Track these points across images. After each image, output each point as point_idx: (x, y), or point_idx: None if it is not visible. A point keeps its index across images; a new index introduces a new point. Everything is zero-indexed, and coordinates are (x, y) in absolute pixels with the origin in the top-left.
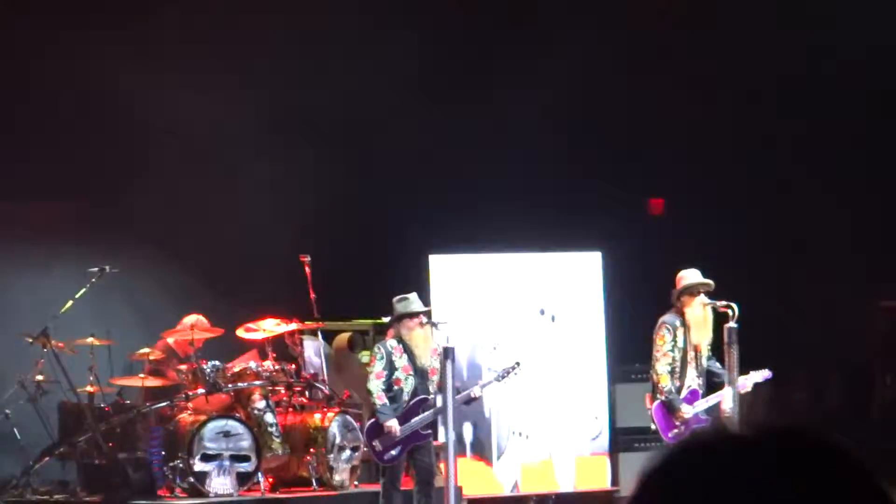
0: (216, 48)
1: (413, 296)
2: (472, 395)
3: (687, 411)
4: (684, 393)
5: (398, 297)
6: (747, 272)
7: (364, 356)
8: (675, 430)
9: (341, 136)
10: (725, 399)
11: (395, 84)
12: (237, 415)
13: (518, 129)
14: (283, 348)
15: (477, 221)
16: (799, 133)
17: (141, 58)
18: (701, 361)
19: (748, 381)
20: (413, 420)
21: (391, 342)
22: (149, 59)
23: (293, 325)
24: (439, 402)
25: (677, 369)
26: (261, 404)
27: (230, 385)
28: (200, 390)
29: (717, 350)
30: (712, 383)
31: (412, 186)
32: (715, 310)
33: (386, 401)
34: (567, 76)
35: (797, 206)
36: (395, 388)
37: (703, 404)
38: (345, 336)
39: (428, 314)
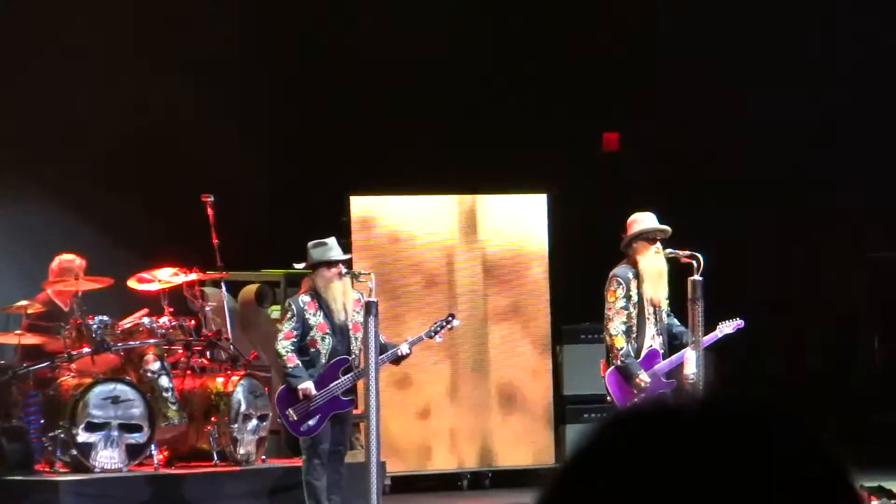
0: None
1: (331, 241)
2: (400, 353)
3: (645, 378)
4: (643, 354)
5: (314, 243)
6: (715, 217)
7: (274, 311)
8: (635, 401)
9: (249, 57)
10: (688, 362)
11: None
12: (127, 378)
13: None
14: (181, 302)
15: (403, 158)
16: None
17: None
18: (660, 317)
19: (718, 334)
20: (332, 384)
21: (304, 297)
22: None
23: (193, 276)
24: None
25: (633, 328)
26: (155, 366)
27: (120, 344)
28: (85, 349)
29: (678, 307)
30: (672, 345)
31: (332, 119)
32: (677, 260)
33: (298, 362)
34: None
35: (777, 143)
36: (311, 350)
37: (664, 367)
38: (252, 288)
39: (348, 263)
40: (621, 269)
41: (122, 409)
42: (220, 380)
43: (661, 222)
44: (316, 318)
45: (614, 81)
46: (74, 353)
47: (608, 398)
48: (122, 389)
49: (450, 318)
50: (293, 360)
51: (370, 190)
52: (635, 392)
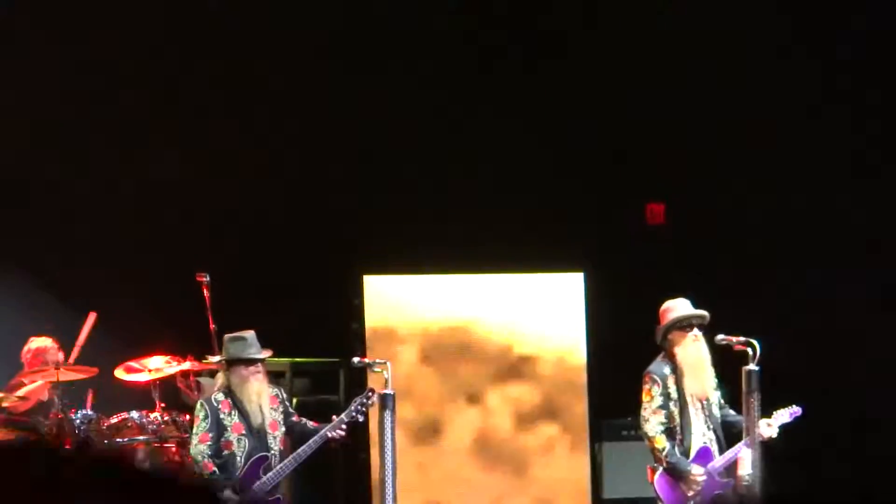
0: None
1: (251, 336)
2: (329, 437)
3: (699, 473)
4: (693, 454)
5: (231, 336)
6: (771, 296)
7: None
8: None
9: (248, 132)
10: (743, 462)
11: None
12: None
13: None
14: (173, 394)
15: (424, 236)
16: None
17: None
18: (711, 411)
19: (773, 423)
20: (255, 485)
21: (217, 396)
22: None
23: (187, 365)
24: (281, 459)
25: (677, 428)
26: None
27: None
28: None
29: (731, 395)
30: (731, 435)
31: (347, 195)
32: (730, 347)
33: (215, 468)
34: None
35: (840, 212)
36: (225, 452)
37: (718, 466)
38: None
39: (260, 361)
40: (656, 365)
41: None
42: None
43: (711, 305)
44: (230, 419)
45: (661, 146)
46: None
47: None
48: None
49: (369, 395)
50: (210, 467)
51: (387, 269)
52: (690, 493)
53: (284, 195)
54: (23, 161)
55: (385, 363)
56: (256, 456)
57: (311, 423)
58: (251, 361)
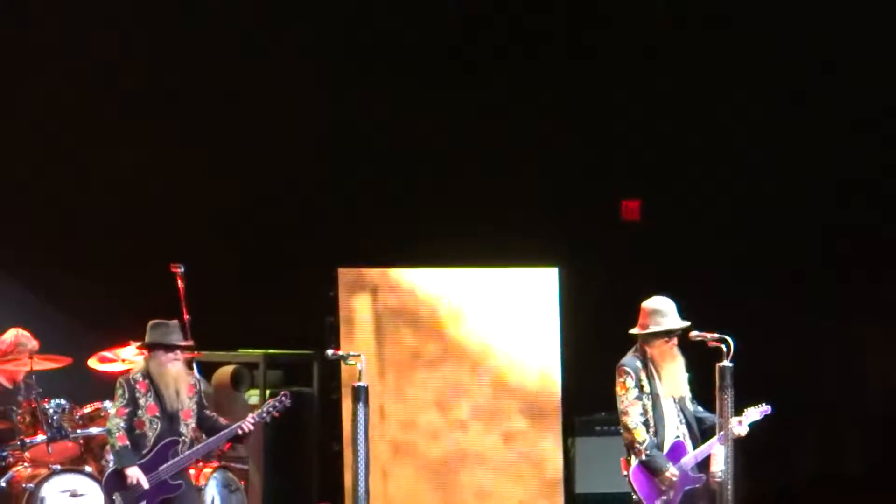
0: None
1: (174, 324)
2: (239, 433)
3: (674, 472)
4: (667, 448)
5: (154, 322)
6: (744, 292)
7: (252, 396)
8: (664, 498)
9: (221, 117)
10: (716, 458)
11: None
12: (87, 469)
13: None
14: None
15: (398, 229)
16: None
17: None
18: (685, 405)
19: (744, 421)
20: (161, 467)
21: (136, 376)
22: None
23: None
24: (191, 447)
25: (651, 420)
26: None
27: (79, 430)
28: (41, 437)
29: (702, 390)
30: (703, 430)
31: (323, 184)
32: (704, 344)
33: (127, 442)
34: None
35: (812, 211)
36: (137, 431)
37: (690, 461)
38: (228, 370)
39: (179, 349)
40: (629, 359)
41: (81, 503)
42: (190, 472)
43: (684, 302)
44: (146, 400)
45: (636, 142)
46: (28, 440)
47: (634, 496)
48: (81, 482)
49: (282, 398)
50: (124, 440)
51: (362, 262)
52: (663, 488)
53: (260, 187)
54: None
55: (359, 356)
56: (167, 439)
57: (222, 420)
58: (170, 347)
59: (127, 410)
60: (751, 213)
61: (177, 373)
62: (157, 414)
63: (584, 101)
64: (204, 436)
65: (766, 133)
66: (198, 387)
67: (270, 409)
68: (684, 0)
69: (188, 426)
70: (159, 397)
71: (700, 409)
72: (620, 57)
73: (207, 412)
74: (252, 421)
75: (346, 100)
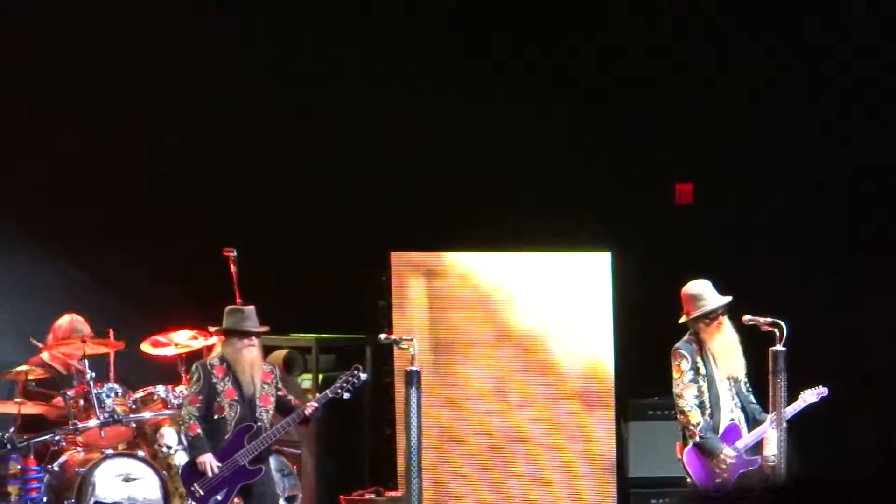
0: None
1: (250, 310)
2: (307, 414)
3: (730, 454)
4: (721, 431)
5: (231, 308)
6: (799, 275)
7: (305, 380)
8: (718, 480)
9: (280, 105)
10: (769, 443)
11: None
12: (140, 453)
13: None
14: None
15: (452, 213)
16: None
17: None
18: (740, 389)
19: (801, 403)
20: (237, 453)
21: (212, 361)
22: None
23: (213, 340)
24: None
25: (706, 403)
26: (171, 440)
27: (131, 415)
28: (93, 421)
29: (758, 377)
30: (755, 419)
31: (376, 169)
32: (757, 328)
33: (199, 431)
34: None
35: (868, 190)
36: (216, 416)
37: (747, 442)
38: (280, 354)
39: (254, 335)
40: (684, 343)
41: (133, 488)
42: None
43: (739, 284)
44: (224, 384)
45: (689, 125)
46: (81, 424)
47: (687, 479)
48: (134, 466)
49: (355, 372)
50: (196, 429)
51: (415, 246)
52: (718, 470)
53: (313, 170)
54: (44, 134)
55: (411, 340)
56: (244, 424)
57: (293, 399)
58: (246, 334)
59: (201, 398)
60: (802, 196)
61: (252, 358)
62: (236, 398)
63: (638, 84)
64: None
65: (822, 116)
66: (275, 373)
67: (343, 384)
68: None
69: (267, 412)
70: (237, 382)
71: (752, 399)
72: (675, 39)
73: (282, 393)
74: (317, 402)
75: (402, 85)
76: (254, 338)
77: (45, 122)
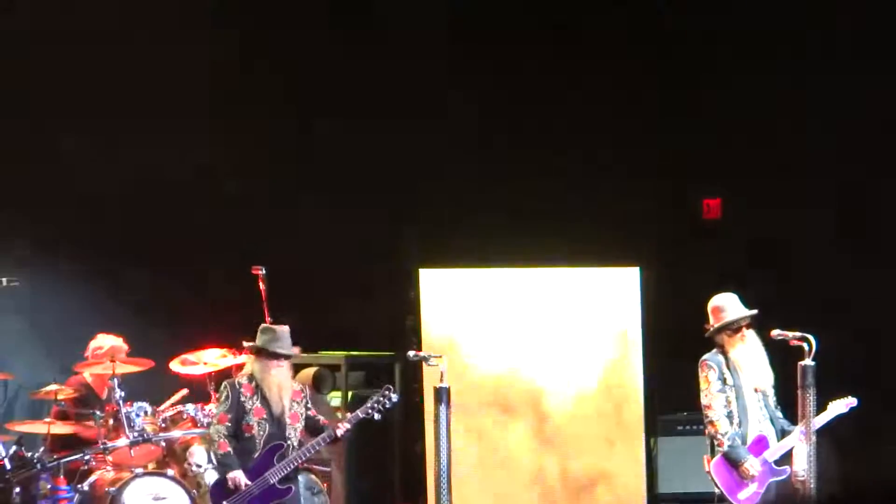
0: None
1: (283, 331)
2: (337, 434)
3: (755, 465)
4: (750, 441)
5: (265, 327)
6: (826, 289)
7: (334, 398)
8: (745, 491)
9: (305, 119)
10: (797, 457)
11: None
12: (170, 472)
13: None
14: None
15: (481, 230)
16: None
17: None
18: (767, 402)
19: (830, 415)
20: (267, 472)
21: (241, 379)
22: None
23: (242, 358)
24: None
25: (735, 412)
26: (201, 459)
27: (161, 434)
28: (123, 440)
29: (786, 392)
30: (783, 433)
31: (403, 184)
32: (786, 342)
33: (230, 449)
34: None
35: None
36: (246, 435)
37: (774, 453)
38: (310, 372)
39: (284, 358)
40: (711, 354)
41: None
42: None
43: (767, 299)
44: (252, 403)
45: (717, 141)
46: (111, 443)
47: (716, 490)
48: (164, 485)
49: (386, 393)
50: (225, 447)
51: (443, 263)
52: (743, 480)
53: (342, 187)
54: (73, 158)
55: (441, 357)
56: (273, 443)
57: (322, 419)
58: (276, 355)
59: (229, 416)
60: (832, 212)
61: (280, 379)
62: (265, 417)
63: (667, 99)
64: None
65: (851, 133)
66: (304, 391)
67: (375, 404)
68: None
69: (295, 430)
70: (265, 400)
71: (780, 413)
72: (704, 56)
73: (311, 413)
74: (348, 423)
75: (433, 95)
76: (284, 360)
77: (76, 144)
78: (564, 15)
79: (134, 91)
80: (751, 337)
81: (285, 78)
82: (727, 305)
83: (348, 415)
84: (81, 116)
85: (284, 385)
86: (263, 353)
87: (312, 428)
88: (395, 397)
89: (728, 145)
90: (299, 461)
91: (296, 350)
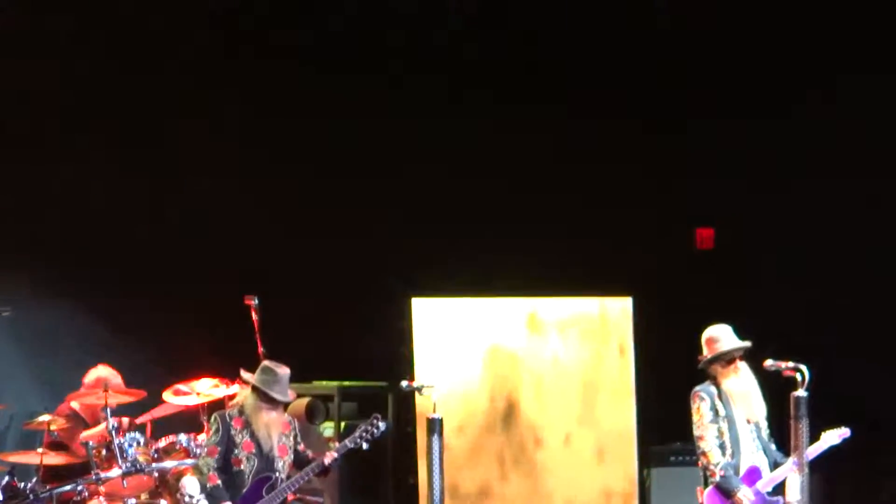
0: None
1: (283, 375)
2: (326, 464)
3: (748, 496)
4: (743, 471)
5: (266, 366)
6: (819, 320)
7: (327, 428)
8: None
9: (294, 150)
10: (790, 488)
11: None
12: (162, 502)
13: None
14: None
15: (473, 260)
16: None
17: None
18: (760, 434)
19: (823, 445)
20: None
21: (231, 412)
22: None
23: (235, 388)
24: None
25: (727, 443)
26: (193, 489)
27: (154, 464)
28: (116, 470)
29: (779, 424)
30: (775, 464)
31: (391, 214)
32: (779, 373)
33: (219, 482)
34: None
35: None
36: (235, 468)
37: (767, 483)
38: (302, 402)
39: (283, 404)
40: (703, 385)
41: None
42: None
43: (760, 329)
44: (242, 436)
45: (710, 170)
46: (104, 474)
47: None
48: None
49: (374, 422)
50: (214, 480)
51: (435, 293)
52: None
53: (332, 219)
54: (67, 193)
55: (433, 387)
56: (262, 475)
57: (310, 454)
58: (271, 399)
59: (219, 450)
60: (826, 243)
61: (269, 419)
62: (253, 451)
63: (659, 130)
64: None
65: (837, 164)
66: (293, 425)
67: (363, 433)
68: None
69: (284, 462)
70: (254, 435)
71: (773, 446)
72: (698, 88)
73: (300, 448)
74: (336, 453)
75: (418, 126)
76: (280, 407)
77: (69, 173)
78: (559, 49)
79: (133, 123)
80: (744, 369)
81: (275, 113)
82: (721, 336)
83: (337, 444)
84: (72, 148)
85: (274, 425)
86: (259, 393)
87: (300, 462)
88: (383, 426)
89: (722, 175)
90: (289, 492)
91: (292, 395)
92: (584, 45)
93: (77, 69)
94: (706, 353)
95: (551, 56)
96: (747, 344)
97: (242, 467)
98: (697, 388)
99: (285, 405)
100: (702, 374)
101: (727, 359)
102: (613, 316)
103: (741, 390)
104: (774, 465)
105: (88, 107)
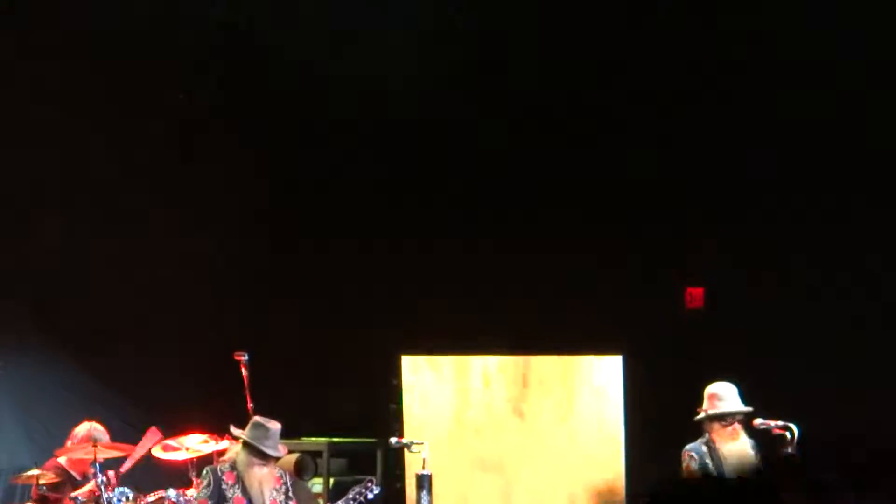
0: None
1: (274, 431)
2: None
3: None
4: None
5: (257, 422)
6: (810, 380)
7: (316, 484)
8: None
9: (280, 204)
10: None
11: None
12: None
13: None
14: None
15: (463, 318)
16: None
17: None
18: None
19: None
20: None
21: (223, 467)
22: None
23: (225, 444)
24: None
25: None
26: None
27: None
28: None
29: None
30: None
31: (383, 272)
32: (768, 432)
33: None
34: None
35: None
36: None
37: None
38: (292, 458)
39: (275, 459)
40: (694, 444)
41: None
42: None
43: (749, 391)
44: (233, 491)
45: (700, 230)
46: None
47: None
48: None
49: (368, 485)
50: None
51: (425, 349)
52: None
53: (323, 276)
54: (51, 242)
55: (422, 443)
56: None
57: None
58: (262, 455)
59: (210, 503)
60: (817, 303)
61: (262, 475)
62: None
63: (649, 188)
64: None
65: (835, 223)
66: (284, 478)
67: (356, 496)
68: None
69: None
70: (246, 491)
71: None
72: (691, 147)
73: (292, 503)
74: None
75: (409, 182)
76: (273, 462)
77: (58, 221)
78: (545, 106)
79: (121, 183)
80: (741, 433)
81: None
82: (725, 395)
83: None
84: (61, 206)
85: (266, 480)
86: (250, 448)
87: None
88: (376, 490)
89: (711, 234)
90: None
91: (283, 451)
92: (574, 105)
93: None
94: (706, 406)
95: (541, 110)
96: (749, 410)
97: None
98: (688, 446)
99: (276, 459)
100: (694, 429)
101: (727, 420)
102: (604, 374)
103: (734, 454)
104: None
105: (84, 160)
